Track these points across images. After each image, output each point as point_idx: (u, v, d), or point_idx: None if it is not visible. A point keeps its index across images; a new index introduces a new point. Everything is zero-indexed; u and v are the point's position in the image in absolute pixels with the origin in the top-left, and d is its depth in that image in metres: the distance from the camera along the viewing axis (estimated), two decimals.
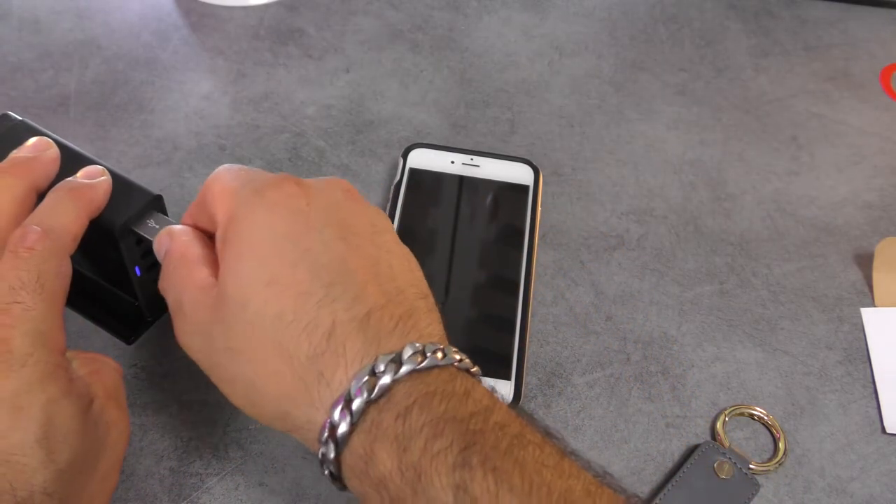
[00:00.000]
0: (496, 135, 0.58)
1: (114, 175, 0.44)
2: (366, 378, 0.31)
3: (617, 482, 0.31)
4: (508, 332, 0.46)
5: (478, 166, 0.53)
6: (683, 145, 0.58)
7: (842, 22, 0.66)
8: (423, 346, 0.32)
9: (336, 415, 0.31)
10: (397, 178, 0.53)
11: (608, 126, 0.59)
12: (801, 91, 0.62)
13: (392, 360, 0.31)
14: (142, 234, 0.43)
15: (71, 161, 0.44)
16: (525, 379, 0.45)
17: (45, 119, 0.56)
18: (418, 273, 0.36)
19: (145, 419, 0.44)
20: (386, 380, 0.31)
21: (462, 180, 0.53)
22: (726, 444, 0.44)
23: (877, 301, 0.50)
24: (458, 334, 0.46)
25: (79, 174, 0.40)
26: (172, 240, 0.38)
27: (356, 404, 0.31)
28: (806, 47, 0.65)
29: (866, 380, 0.47)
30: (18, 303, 0.33)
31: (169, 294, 0.37)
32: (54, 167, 0.40)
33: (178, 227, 0.39)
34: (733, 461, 0.43)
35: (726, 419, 0.45)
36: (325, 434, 0.31)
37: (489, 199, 0.52)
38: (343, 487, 0.33)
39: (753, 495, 0.43)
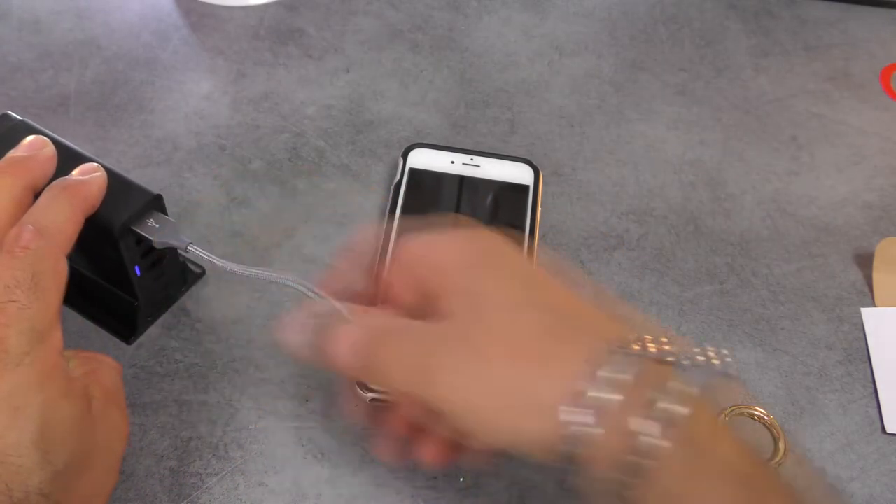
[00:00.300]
0: (496, 135, 0.58)
1: (113, 175, 0.44)
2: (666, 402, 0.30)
3: None
4: None
5: (478, 166, 0.53)
6: (683, 145, 0.58)
7: (842, 22, 0.66)
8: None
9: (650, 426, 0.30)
10: (397, 177, 0.53)
11: (608, 126, 0.59)
12: (801, 91, 0.62)
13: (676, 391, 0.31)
14: (142, 233, 0.43)
15: (70, 161, 0.44)
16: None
17: (45, 119, 0.56)
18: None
19: (145, 419, 0.44)
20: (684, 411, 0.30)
21: (462, 180, 0.53)
22: None
23: (877, 301, 0.50)
24: None
25: (74, 172, 0.40)
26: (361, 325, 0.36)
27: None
28: (806, 47, 0.65)
29: (866, 380, 0.47)
30: (14, 301, 0.33)
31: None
32: (51, 166, 0.40)
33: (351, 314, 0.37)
34: None
35: (726, 419, 0.45)
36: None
37: (489, 199, 0.52)
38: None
39: None
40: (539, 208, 0.52)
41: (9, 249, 0.35)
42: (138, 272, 0.45)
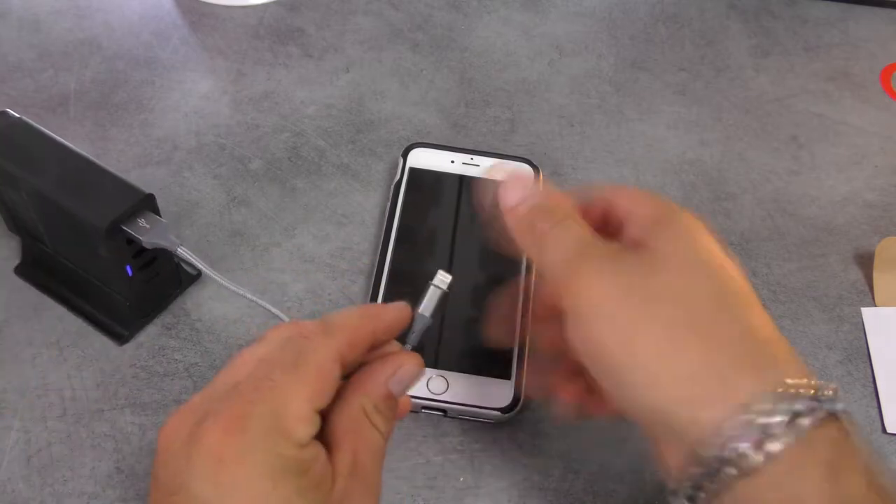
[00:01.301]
0: (496, 134, 0.58)
1: (106, 173, 0.44)
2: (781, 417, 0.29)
3: None
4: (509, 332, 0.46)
5: (477, 165, 0.53)
6: (683, 145, 0.58)
7: (842, 22, 0.66)
8: (817, 394, 0.30)
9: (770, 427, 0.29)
10: (397, 177, 0.53)
11: (608, 126, 0.59)
12: (801, 91, 0.62)
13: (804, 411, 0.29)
14: (131, 233, 0.43)
15: (70, 161, 0.44)
16: (525, 379, 0.45)
17: (45, 119, 0.56)
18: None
19: (145, 419, 0.44)
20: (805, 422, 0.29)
21: (462, 180, 0.53)
22: None
23: (877, 301, 0.50)
24: (458, 334, 0.46)
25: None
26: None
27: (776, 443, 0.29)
28: (806, 47, 0.65)
29: (866, 380, 0.47)
30: (270, 380, 0.31)
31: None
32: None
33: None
34: None
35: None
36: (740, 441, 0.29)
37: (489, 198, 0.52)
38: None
39: None
40: None
41: (291, 335, 0.33)
42: (129, 272, 0.45)
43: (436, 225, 0.51)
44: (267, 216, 0.53)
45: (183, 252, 0.43)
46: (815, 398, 0.29)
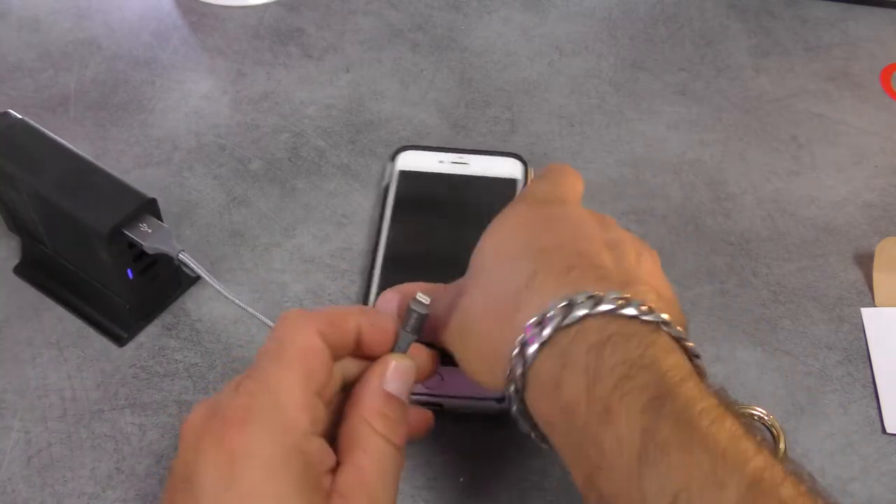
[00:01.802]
0: (496, 134, 0.58)
1: (108, 177, 0.44)
2: (561, 304, 0.32)
3: None
4: None
5: (467, 164, 0.53)
6: (683, 145, 0.58)
7: (842, 22, 0.66)
8: (630, 298, 0.33)
9: (528, 332, 0.32)
10: (385, 180, 0.53)
11: (608, 126, 0.59)
12: (801, 91, 0.62)
13: (590, 297, 0.32)
14: (133, 237, 0.43)
15: (71, 163, 0.44)
16: None
17: (45, 119, 0.56)
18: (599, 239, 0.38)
19: (145, 419, 0.44)
20: (580, 311, 0.32)
21: (451, 179, 0.53)
22: None
23: (877, 301, 0.50)
24: None
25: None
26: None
27: (547, 328, 0.32)
28: (806, 47, 0.65)
29: (866, 380, 0.47)
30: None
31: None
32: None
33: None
34: None
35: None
36: (516, 351, 0.33)
37: (478, 196, 0.52)
38: (524, 417, 0.34)
39: None
40: None
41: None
42: (130, 275, 0.45)
43: (426, 226, 0.51)
44: (267, 216, 0.53)
45: (184, 257, 0.43)
46: (594, 297, 0.32)
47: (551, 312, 0.32)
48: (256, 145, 0.56)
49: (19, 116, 0.46)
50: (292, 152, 0.56)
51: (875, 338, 0.49)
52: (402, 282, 0.45)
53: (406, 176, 0.53)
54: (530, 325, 0.33)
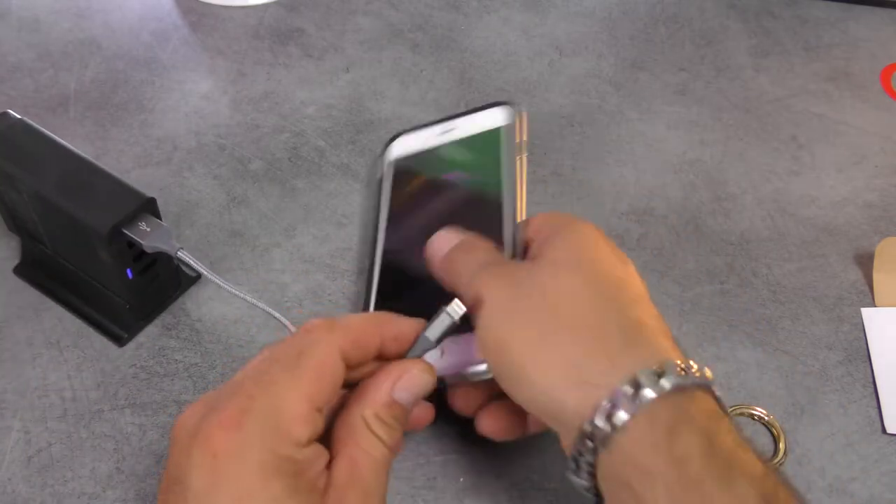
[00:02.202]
0: None
1: (107, 176, 0.44)
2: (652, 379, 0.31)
3: None
4: None
5: (454, 129, 0.49)
6: (683, 145, 0.58)
7: (842, 22, 0.66)
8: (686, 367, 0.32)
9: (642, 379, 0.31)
10: (379, 173, 0.50)
11: (608, 126, 0.59)
12: (801, 91, 0.62)
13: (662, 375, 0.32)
14: (132, 236, 0.43)
15: (71, 163, 0.44)
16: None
17: (45, 119, 0.56)
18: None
19: (145, 419, 0.44)
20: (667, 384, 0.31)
21: (440, 151, 0.49)
22: None
23: (877, 301, 0.50)
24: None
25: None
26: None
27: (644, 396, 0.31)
28: (806, 47, 0.65)
29: (866, 380, 0.47)
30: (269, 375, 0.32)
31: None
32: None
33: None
34: None
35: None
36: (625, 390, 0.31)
37: (470, 161, 0.48)
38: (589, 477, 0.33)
39: None
40: (522, 155, 0.45)
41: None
42: (130, 275, 0.45)
43: (424, 208, 0.47)
44: (267, 216, 0.53)
45: (183, 255, 0.43)
46: (657, 373, 0.31)
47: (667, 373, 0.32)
48: (256, 145, 0.56)
49: (19, 116, 0.46)
50: (292, 152, 0.56)
51: (875, 338, 0.49)
52: (402, 280, 0.45)
53: (397, 165, 0.50)
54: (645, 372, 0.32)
